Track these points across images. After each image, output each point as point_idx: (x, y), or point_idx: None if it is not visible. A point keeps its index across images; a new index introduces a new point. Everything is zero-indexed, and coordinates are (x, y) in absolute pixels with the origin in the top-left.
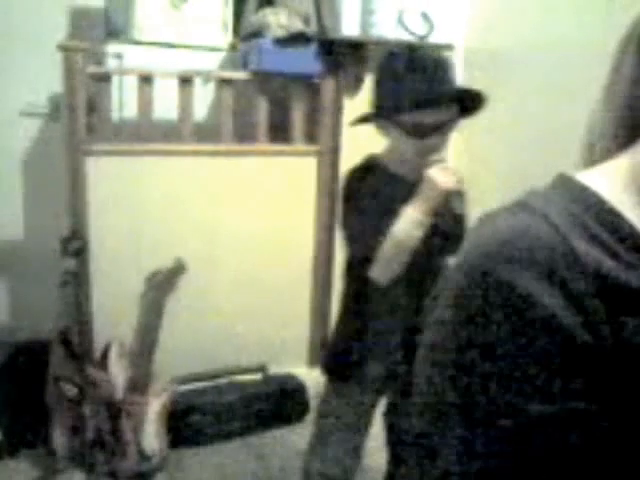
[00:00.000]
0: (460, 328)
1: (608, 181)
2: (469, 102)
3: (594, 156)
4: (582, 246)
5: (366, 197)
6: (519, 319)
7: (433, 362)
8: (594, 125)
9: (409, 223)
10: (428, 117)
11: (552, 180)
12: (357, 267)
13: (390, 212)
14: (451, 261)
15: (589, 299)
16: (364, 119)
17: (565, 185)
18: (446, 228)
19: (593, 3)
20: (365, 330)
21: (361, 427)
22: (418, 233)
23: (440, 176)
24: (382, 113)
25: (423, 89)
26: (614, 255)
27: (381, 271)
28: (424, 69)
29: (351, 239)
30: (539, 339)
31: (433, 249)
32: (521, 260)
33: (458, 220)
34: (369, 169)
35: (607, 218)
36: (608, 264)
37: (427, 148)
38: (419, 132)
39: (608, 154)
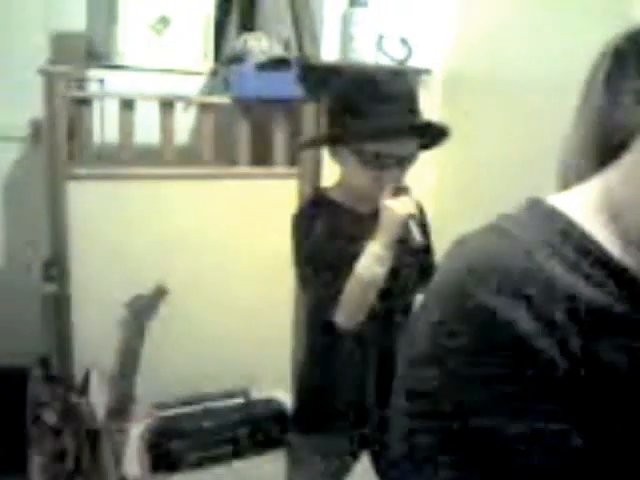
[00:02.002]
0: (437, 352)
1: (580, 204)
2: (432, 135)
3: (568, 179)
4: (554, 269)
5: (320, 236)
6: (494, 342)
7: (409, 389)
8: (567, 149)
9: (372, 260)
10: (390, 148)
11: (524, 203)
12: (319, 312)
13: (347, 250)
14: (419, 297)
15: (562, 321)
16: (318, 141)
17: (537, 208)
18: (410, 261)
19: (570, 30)
20: (334, 379)
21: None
22: (382, 269)
23: (397, 204)
24: (340, 139)
25: (387, 118)
26: (585, 277)
27: (347, 315)
28: (389, 98)
29: (309, 283)
30: (513, 361)
31: (399, 284)
32: (495, 284)
33: (421, 251)
34: (319, 205)
35: (578, 241)
36: (580, 286)
37: (385, 181)
38: (379, 163)
39: (581, 177)
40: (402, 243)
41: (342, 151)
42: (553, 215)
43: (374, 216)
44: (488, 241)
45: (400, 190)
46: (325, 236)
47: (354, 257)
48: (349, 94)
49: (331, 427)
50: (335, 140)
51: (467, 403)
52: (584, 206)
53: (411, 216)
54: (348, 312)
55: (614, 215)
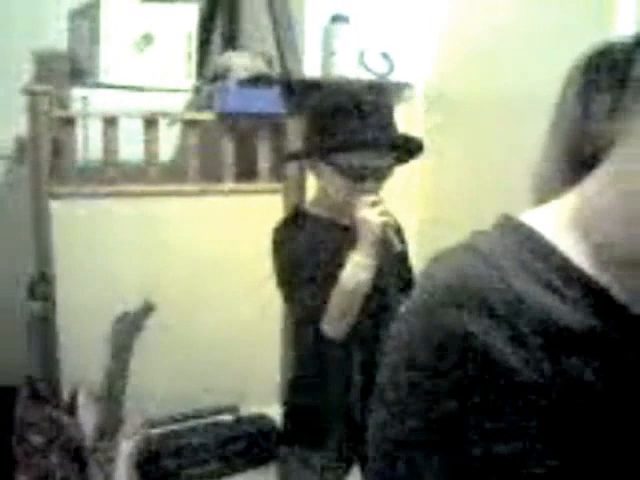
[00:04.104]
0: (412, 371)
1: (552, 221)
2: (407, 148)
3: (543, 193)
4: (525, 287)
5: (300, 249)
6: (465, 360)
7: (387, 408)
8: (542, 162)
9: (356, 268)
10: (366, 160)
11: (496, 221)
12: (305, 325)
13: (329, 261)
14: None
15: (533, 339)
16: (297, 155)
17: (509, 226)
18: (390, 268)
19: (549, 47)
20: (322, 392)
21: None
22: (366, 276)
23: (373, 214)
24: (316, 151)
25: (362, 130)
26: (558, 295)
27: (334, 324)
28: (364, 110)
29: (294, 297)
30: (484, 379)
31: (381, 292)
32: (467, 303)
33: (400, 258)
34: (298, 220)
35: (549, 258)
36: (552, 304)
37: (361, 192)
38: (355, 175)
39: (556, 191)
40: (382, 252)
41: (319, 164)
42: (525, 232)
43: (353, 228)
44: (462, 260)
45: (375, 202)
46: (307, 248)
47: (337, 268)
48: (324, 109)
49: (321, 441)
50: (312, 153)
51: (438, 421)
52: (557, 222)
53: (388, 224)
54: (335, 321)
55: (585, 232)
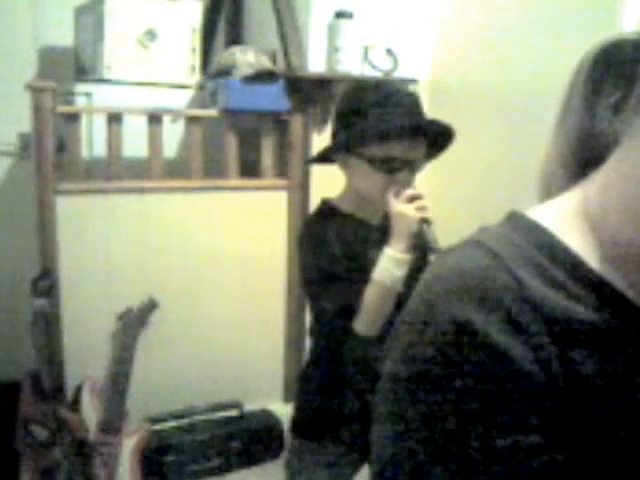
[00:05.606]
0: (417, 366)
1: (558, 216)
2: (438, 137)
3: (549, 189)
4: (532, 282)
5: (331, 245)
6: (473, 357)
7: (393, 400)
8: (548, 158)
9: (390, 264)
10: (399, 151)
11: (503, 217)
12: (330, 322)
13: (359, 259)
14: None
15: (539, 335)
16: (323, 155)
17: (515, 221)
18: (421, 265)
19: (552, 40)
20: (340, 386)
21: None
22: (401, 273)
23: (410, 208)
24: (347, 146)
25: (393, 120)
26: (563, 290)
27: (368, 322)
28: (393, 100)
29: (322, 293)
30: (490, 374)
31: (409, 288)
32: (473, 299)
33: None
34: (326, 215)
35: (555, 254)
36: (557, 299)
37: (396, 184)
38: (388, 166)
39: (561, 187)
40: (417, 248)
41: (350, 159)
42: (531, 228)
43: (384, 227)
44: (467, 256)
45: (414, 197)
46: (339, 247)
47: (367, 266)
48: (352, 103)
49: (334, 434)
50: (342, 149)
51: (442, 416)
52: (563, 218)
53: (425, 221)
54: (369, 319)
55: (591, 227)
